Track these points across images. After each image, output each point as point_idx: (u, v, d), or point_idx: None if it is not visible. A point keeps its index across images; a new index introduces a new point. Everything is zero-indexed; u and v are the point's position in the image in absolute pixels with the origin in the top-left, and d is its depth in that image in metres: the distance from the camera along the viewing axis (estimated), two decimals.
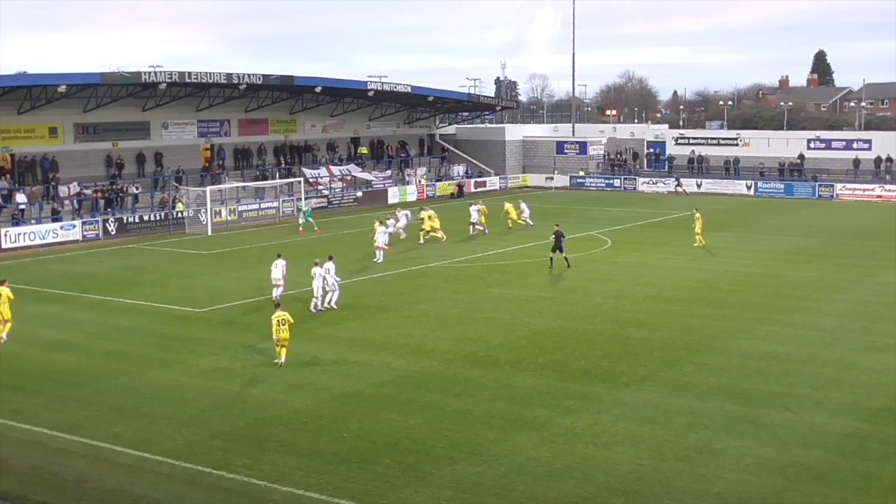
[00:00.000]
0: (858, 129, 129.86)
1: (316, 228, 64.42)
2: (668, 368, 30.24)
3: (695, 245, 54.66)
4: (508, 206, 64.72)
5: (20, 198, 63.19)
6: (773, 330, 35.18)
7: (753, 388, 27.94)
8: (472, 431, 24.67)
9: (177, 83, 68.23)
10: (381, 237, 51.80)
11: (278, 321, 30.94)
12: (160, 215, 67.33)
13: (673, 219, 69.41)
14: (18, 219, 61.87)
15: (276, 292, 39.51)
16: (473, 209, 61.84)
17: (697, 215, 56.29)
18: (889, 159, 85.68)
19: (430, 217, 58.24)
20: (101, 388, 29.16)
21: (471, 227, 61.14)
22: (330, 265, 39.52)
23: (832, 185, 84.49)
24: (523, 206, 65.10)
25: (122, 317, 39.27)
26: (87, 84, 65.07)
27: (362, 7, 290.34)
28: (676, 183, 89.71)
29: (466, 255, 53.17)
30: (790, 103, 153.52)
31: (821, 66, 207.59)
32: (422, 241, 57.35)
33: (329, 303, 39.50)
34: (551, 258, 48.65)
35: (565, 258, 48.54)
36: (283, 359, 31.06)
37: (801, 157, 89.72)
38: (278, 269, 39.62)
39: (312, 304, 39.10)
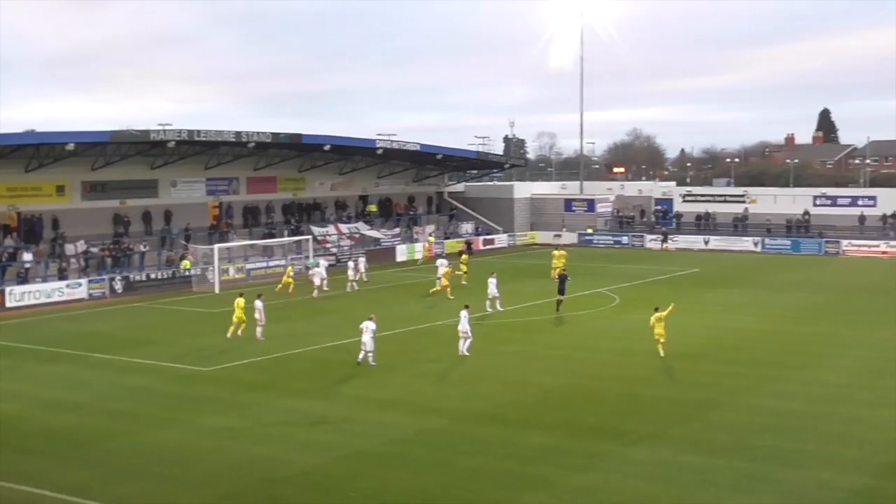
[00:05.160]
0: (863, 185, 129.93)
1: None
2: (678, 426, 30.12)
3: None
4: (557, 253, 67.70)
5: (26, 256, 63.05)
6: (782, 386, 35.10)
7: (763, 445, 27.82)
8: (482, 490, 24.55)
9: (185, 141, 68.48)
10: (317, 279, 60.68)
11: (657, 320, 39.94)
12: (167, 273, 67.42)
13: (680, 276, 69.45)
14: (24, 277, 61.73)
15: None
16: (442, 263, 62.67)
17: (562, 252, 65.66)
18: (894, 215, 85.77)
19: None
20: (108, 448, 29.08)
21: (437, 280, 61.15)
22: (464, 313, 41.40)
23: (838, 242, 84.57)
24: (361, 261, 68.07)
25: (129, 376, 39.21)
26: (96, 142, 65.29)
27: (374, 66, 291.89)
28: (663, 239, 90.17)
29: (474, 313, 52.98)
30: (796, 160, 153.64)
31: (826, 123, 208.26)
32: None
33: (463, 350, 41.15)
34: (559, 301, 51.57)
35: (558, 301, 51.38)
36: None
37: (807, 213, 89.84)
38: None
39: (361, 356, 39.39)
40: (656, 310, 40.61)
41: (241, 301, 46.21)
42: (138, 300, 61.88)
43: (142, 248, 69.53)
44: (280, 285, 61.08)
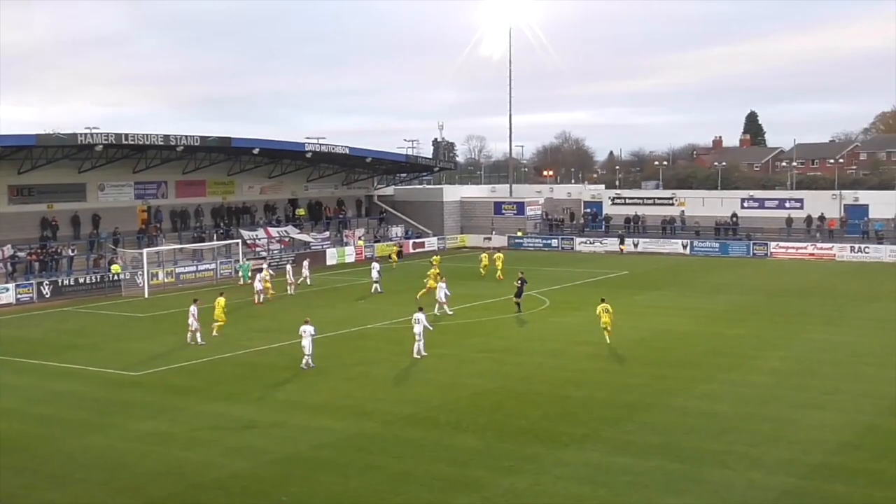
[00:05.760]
0: (790, 188, 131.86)
1: (246, 282, 66.50)
2: (609, 427, 30.29)
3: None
4: (484, 255, 73.32)
5: None
6: (711, 388, 35.41)
7: (693, 446, 28.05)
8: (413, 494, 24.51)
9: (113, 145, 67.87)
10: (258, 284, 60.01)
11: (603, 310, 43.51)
12: (96, 278, 66.63)
13: (610, 278, 69.90)
14: None
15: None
16: (374, 266, 64.60)
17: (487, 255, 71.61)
18: (820, 218, 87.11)
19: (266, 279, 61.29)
20: (35, 454, 28.63)
21: (373, 285, 63.15)
22: (420, 315, 41.60)
23: (766, 244, 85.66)
24: (305, 265, 69.30)
25: (56, 381, 38.71)
26: (22, 146, 64.51)
27: (303, 69, 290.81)
28: (620, 241, 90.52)
29: (405, 315, 53.01)
30: (724, 163, 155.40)
31: (753, 126, 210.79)
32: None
33: (422, 351, 41.49)
34: (517, 303, 53.02)
35: (517, 303, 53.30)
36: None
37: (735, 216, 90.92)
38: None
39: (304, 361, 39.40)
40: (602, 300, 44.59)
41: (221, 300, 47.43)
42: (67, 304, 61.15)
43: (70, 253, 68.75)
44: (270, 293, 60.69)
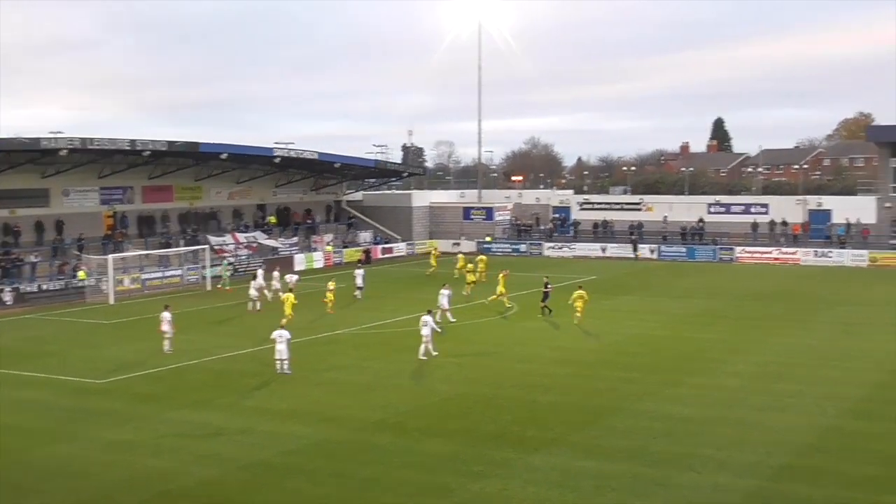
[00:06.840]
0: (756, 193, 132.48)
1: (227, 287, 67.99)
2: (577, 432, 30.35)
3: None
4: (461, 256, 74.64)
5: None
6: (678, 392, 35.58)
7: (660, 450, 28.16)
8: (381, 499, 24.48)
9: (78, 149, 67.25)
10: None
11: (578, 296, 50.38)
12: (60, 284, 66.11)
13: (579, 283, 69.92)
14: None
15: None
16: (359, 273, 64.12)
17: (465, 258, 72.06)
18: (784, 223, 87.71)
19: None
20: None
21: (357, 291, 62.87)
22: (428, 318, 42.35)
23: (732, 249, 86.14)
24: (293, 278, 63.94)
25: (20, 390, 38.35)
26: None
27: (273, 74, 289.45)
28: (634, 248, 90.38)
29: (375, 321, 53.05)
30: (691, 169, 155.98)
31: (719, 132, 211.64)
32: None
33: (426, 353, 41.98)
34: (542, 307, 54.09)
35: (543, 307, 54.07)
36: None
37: (702, 221, 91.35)
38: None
39: (278, 366, 39.43)
40: (580, 287, 52.03)
41: (291, 296, 51.59)
42: (30, 312, 60.65)
43: (33, 259, 68.16)
44: (327, 300, 57.16)
